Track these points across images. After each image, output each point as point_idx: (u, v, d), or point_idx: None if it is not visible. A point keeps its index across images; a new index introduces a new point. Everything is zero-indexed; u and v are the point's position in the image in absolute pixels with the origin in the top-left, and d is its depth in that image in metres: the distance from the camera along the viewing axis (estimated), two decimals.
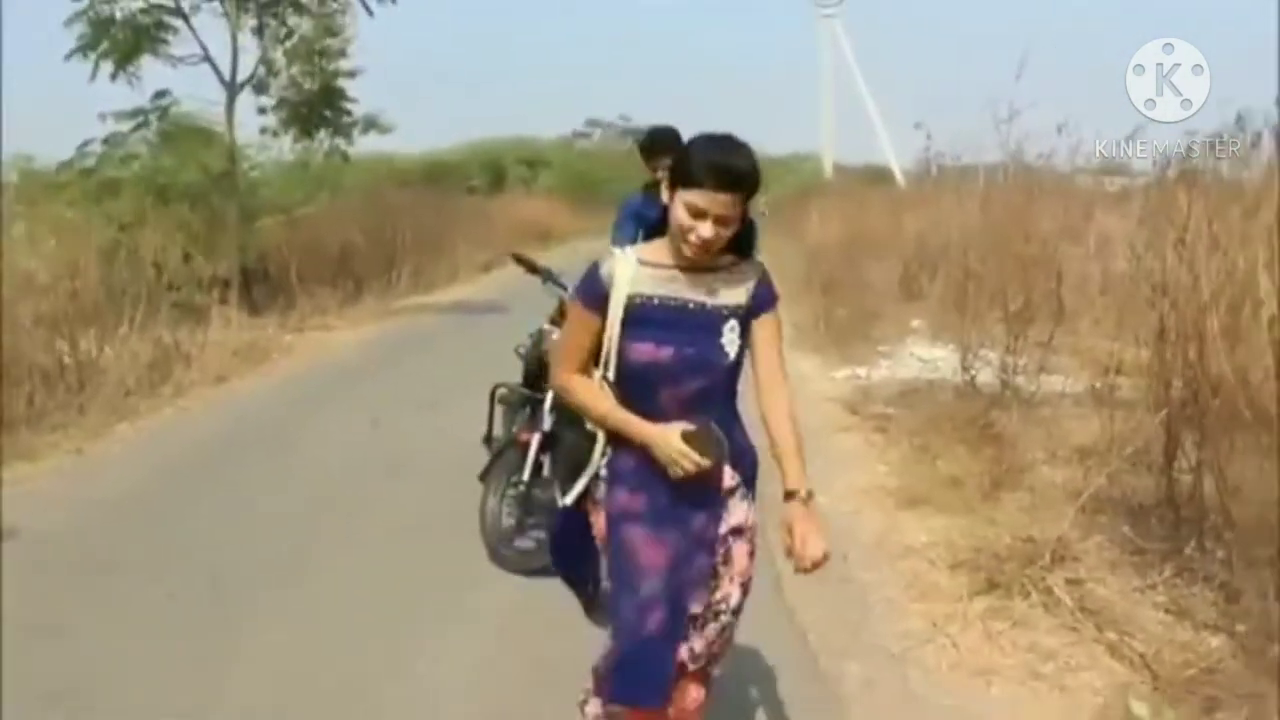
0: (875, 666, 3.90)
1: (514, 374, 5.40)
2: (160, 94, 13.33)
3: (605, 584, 2.63)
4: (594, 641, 3.02)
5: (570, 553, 2.77)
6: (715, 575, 2.54)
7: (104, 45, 12.82)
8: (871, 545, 5.16)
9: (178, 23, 12.89)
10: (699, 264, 2.47)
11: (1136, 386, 5.71)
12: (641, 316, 2.46)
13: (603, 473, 2.57)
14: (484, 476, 4.96)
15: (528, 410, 5.07)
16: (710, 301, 2.49)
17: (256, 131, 14.71)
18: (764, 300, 2.56)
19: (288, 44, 14.07)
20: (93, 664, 3.97)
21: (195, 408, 8.61)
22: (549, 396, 4.77)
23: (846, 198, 21.24)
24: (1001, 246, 7.94)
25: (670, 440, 2.42)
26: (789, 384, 2.59)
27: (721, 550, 2.53)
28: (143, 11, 12.65)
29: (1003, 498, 5.61)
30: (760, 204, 2.35)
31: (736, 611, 2.57)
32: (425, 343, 12.28)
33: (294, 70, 14.23)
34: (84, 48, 12.80)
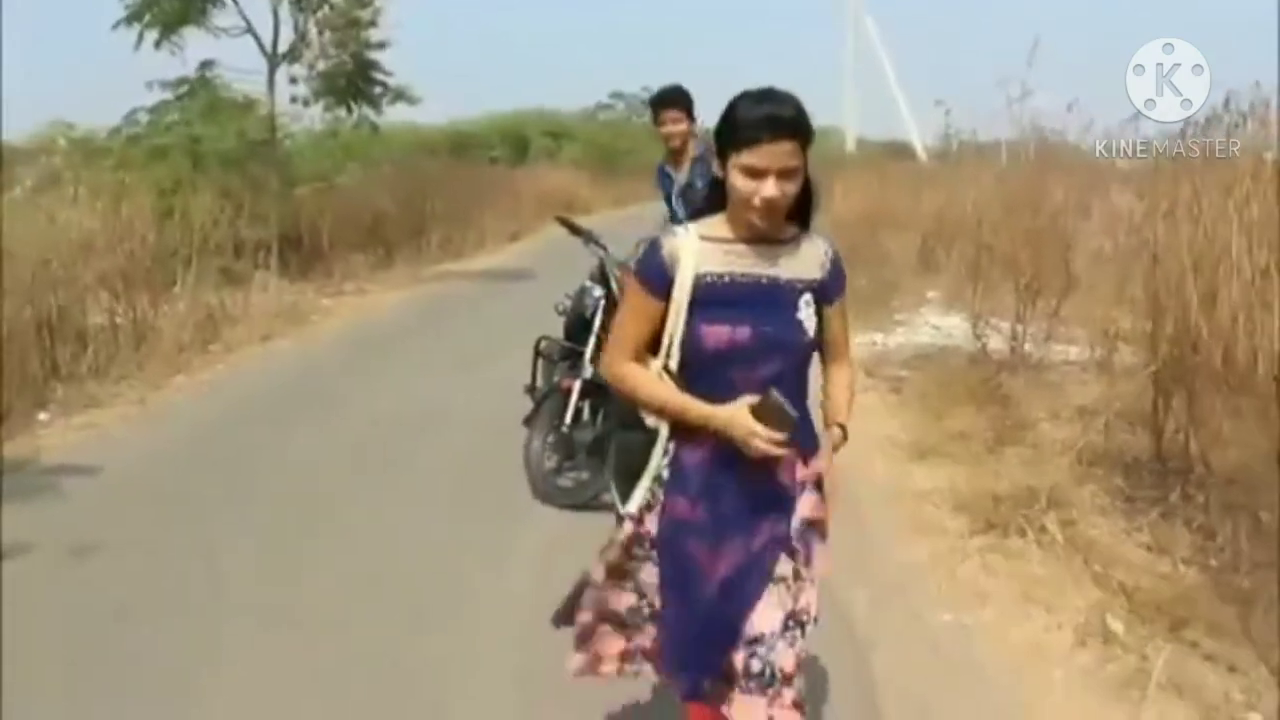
0: (881, 591, 4.34)
1: (543, 335, 5.89)
2: (206, 64, 13.81)
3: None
4: None
5: None
6: (798, 578, 2.37)
7: (148, 16, 13.24)
8: (882, 490, 5.60)
9: None
10: (764, 236, 2.30)
11: (1137, 353, 6.11)
12: (712, 296, 2.28)
13: (664, 474, 2.38)
14: (529, 421, 5.42)
15: (568, 362, 5.54)
16: (783, 275, 2.31)
17: (288, 101, 15.11)
18: (839, 281, 2.41)
19: (319, 14, 14.37)
20: (164, 580, 4.49)
21: (245, 363, 9.11)
22: (589, 348, 5.23)
23: (869, 172, 21.48)
24: (1013, 221, 8.32)
25: (741, 419, 2.23)
26: (852, 367, 2.54)
27: (804, 549, 2.38)
28: None
29: (1006, 452, 6.02)
30: None
31: (816, 619, 2.42)
32: (458, 307, 12.72)
33: (325, 39, 14.52)
34: (130, 17, 13.23)
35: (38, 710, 3.42)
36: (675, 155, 5.52)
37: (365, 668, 3.70)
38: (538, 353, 5.81)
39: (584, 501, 5.16)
